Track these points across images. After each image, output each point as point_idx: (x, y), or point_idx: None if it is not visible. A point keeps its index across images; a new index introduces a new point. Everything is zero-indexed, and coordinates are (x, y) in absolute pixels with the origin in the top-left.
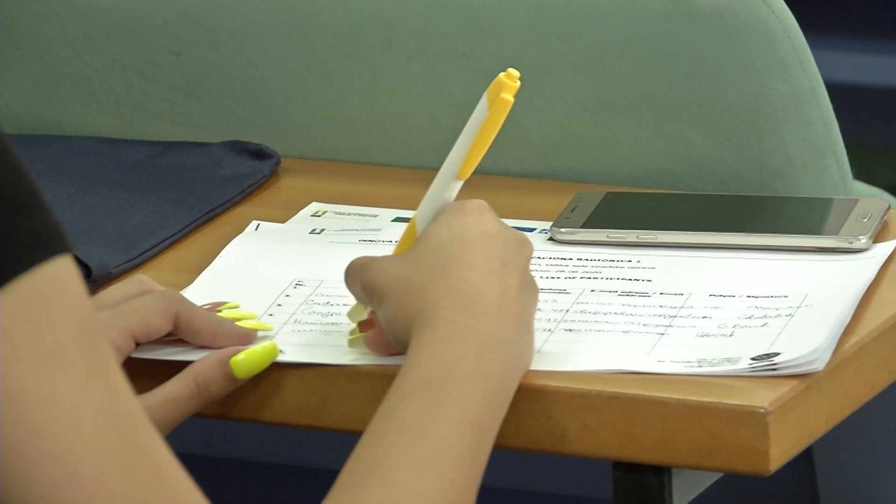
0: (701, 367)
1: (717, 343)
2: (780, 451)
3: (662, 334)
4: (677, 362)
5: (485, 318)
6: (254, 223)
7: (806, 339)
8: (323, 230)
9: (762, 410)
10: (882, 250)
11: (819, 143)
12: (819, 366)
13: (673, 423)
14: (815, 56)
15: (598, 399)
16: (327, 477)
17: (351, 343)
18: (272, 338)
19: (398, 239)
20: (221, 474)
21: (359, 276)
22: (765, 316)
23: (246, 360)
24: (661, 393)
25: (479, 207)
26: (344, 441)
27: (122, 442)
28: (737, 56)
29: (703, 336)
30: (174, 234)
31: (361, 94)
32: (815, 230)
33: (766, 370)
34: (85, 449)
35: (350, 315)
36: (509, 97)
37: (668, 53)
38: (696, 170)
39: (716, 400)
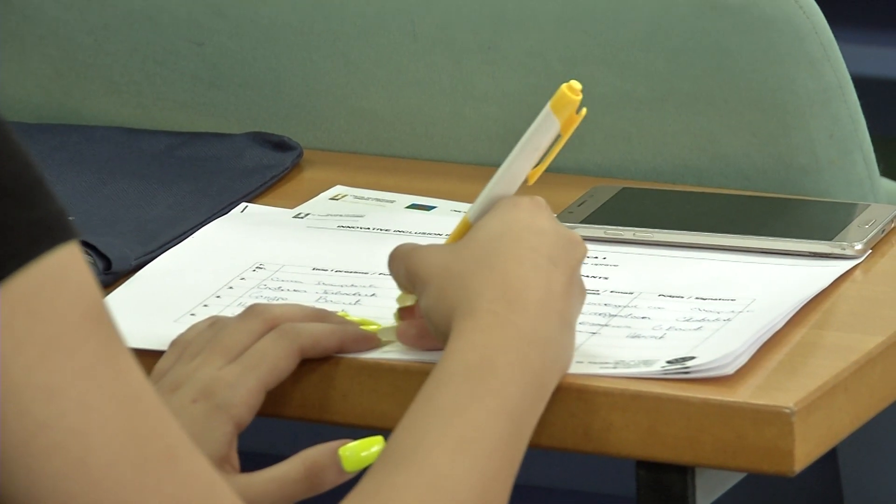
0: (616, 368)
1: (644, 345)
2: (805, 452)
3: (594, 333)
4: (594, 363)
5: (526, 313)
6: (241, 205)
7: (725, 344)
8: (308, 215)
9: (787, 410)
10: (867, 257)
11: (846, 140)
12: (730, 370)
13: (697, 423)
14: (841, 49)
15: (622, 397)
16: None
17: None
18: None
19: (374, 227)
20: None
21: (403, 261)
22: (703, 319)
23: (353, 456)
24: (685, 392)
25: (534, 204)
26: (363, 436)
27: (132, 428)
28: (763, 51)
29: (634, 337)
30: (195, 227)
31: (385, 86)
32: (810, 235)
33: (678, 373)
34: (93, 438)
35: (398, 300)
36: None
37: (694, 48)
38: (721, 166)
39: (740, 399)
